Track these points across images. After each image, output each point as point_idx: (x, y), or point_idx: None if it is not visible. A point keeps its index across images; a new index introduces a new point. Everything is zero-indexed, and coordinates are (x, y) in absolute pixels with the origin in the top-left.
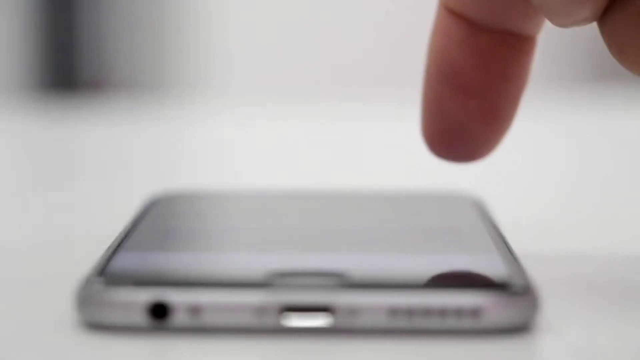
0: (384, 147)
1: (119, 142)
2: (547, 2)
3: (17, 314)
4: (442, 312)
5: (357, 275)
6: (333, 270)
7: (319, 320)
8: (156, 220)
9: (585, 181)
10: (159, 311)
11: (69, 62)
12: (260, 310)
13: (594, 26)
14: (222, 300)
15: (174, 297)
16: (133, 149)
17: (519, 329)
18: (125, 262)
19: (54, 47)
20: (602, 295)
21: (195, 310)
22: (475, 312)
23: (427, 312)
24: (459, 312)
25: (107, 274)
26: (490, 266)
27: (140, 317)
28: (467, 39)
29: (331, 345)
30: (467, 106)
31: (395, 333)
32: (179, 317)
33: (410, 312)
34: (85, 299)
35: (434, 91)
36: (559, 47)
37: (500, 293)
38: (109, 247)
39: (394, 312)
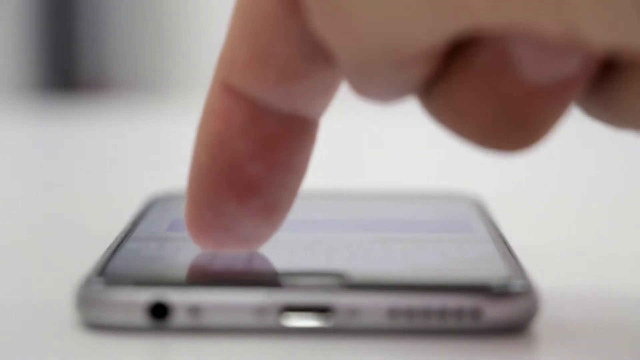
0: (384, 147)
1: (118, 141)
2: (370, 68)
3: (17, 314)
4: (442, 312)
5: (357, 275)
6: (333, 270)
7: (319, 320)
8: (156, 220)
9: (586, 181)
10: (159, 311)
11: (69, 62)
12: (260, 310)
13: None
14: (222, 300)
15: (174, 297)
16: (133, 148)
17: (519, 329)
18: (125, 262)
19: (54, 47)
20: (602, 295)
21: (195, 310)
22: (475, 312)
23: (427, 312)
24: (459, 312)
25: (107, 274)
26: (490, 266)
27: (140, 317)
28: (250, 124)
29: (331, 345)
30: (245, 203)
31: (395, 333)
32: (179, 317)
33: (410, 312)
34: (85, 299)
35: (204, 184)
36: None
37: (500, 293)
38: (109, 247)
39: (394, 312)
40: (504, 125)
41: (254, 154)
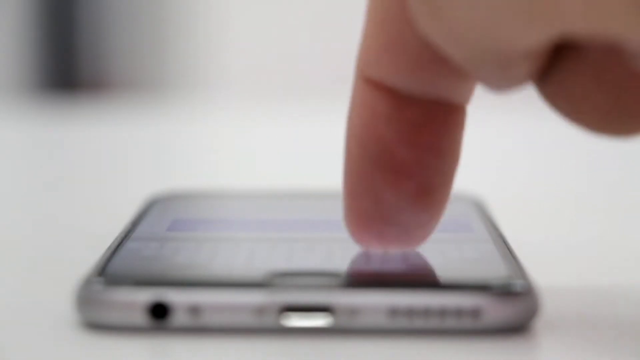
0: None
1: (118, 142)
2: (478, 65)
3: (17, 314)
4: (442, 312)
5: (357, 275)
6: (333, 270)
7: (319, 320)
8: (156, 220)
9: (586, 181)
10: (159, 311)
11: (69, 62)
12: (260, 310)
13: None
14: (222, 300)
15: (174, 297)
16: (133, 148)
17: (519, 329)
18: (125, 262)
19: (54, 47)
20: (602, 295)
21: (195, 310)
22: (475, 312)
23: (427, 312)
24: (459, 312)
25: (107, 274)
26: (490, 266)
27: (140, 317)
28: (394, 112)
29: (331, 345)
30: (399, 187)
31: (395, 333)
32: (179, 317)
33: (410, 312)
34: (85, 299)
35: (358, 174)
36: None
37: (500, 293)
38: (109, 247)
39: (394, 312)
40: (618, 113)
41: (401, 139)
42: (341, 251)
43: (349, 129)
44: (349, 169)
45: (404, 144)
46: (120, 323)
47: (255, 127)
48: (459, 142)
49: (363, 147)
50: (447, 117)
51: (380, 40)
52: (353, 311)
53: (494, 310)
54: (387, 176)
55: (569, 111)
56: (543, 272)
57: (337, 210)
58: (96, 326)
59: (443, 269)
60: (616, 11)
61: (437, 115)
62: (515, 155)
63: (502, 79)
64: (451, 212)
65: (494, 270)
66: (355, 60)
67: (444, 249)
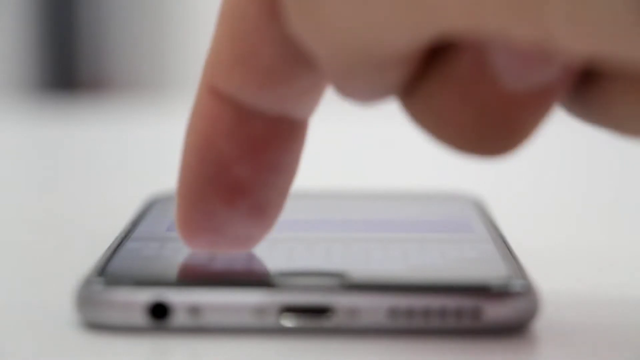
0: (384, 147)
1: (118, 141)
2: (347, 69)
3: (17, 314)
4: (442, 312)
5: (357, 275)
6: (333, 270)
7: (319, 321)
8: (156, 220)
9: (586, 181)
10: (159, 311)
11: (69, 62)
12: (260, 310)
13: None
14: (222, 300)
15: (174, 297)
16: (132, 148)
17: (519, 329)
18: (125, 262)
19: (54, 47)
20: (602, 295)
21: (195, 310)
22: (475, 312)
23: (426, 312)
24: (458, 312)
25: (107, 274)
26: (490, 266)
27: (140, 317)
28: (236, 128)
29: (331, 345)
30: (233, 204)
31: (395, 333)
32: (179, 317)
33: (410, 312)
34: (85, 299)
35: (193, 186)
36: None
37: (500, 293)
38: (109, 247)
39: (393, 312)
40: (483, 131)
41: (240, 155)
42: (341, 251)
43: (188, 139)
44: (184, 179)
45: (243, 161)
46: (120, 323)
47: None
48: (298, 157)
49: (200, 160)
50: (289, 133)
51: (232, 51)
52: (353, 311)
53: (494, 310)
54: (221, 193)
55: (433, 129)
56: (543, 272)
57: (337, 210)
58: (96, 326)
59: (443, 269)
60: (495, 6)
61: (279, 132)
62: (515, 155)
63: (368, 87)
64: (451, 212)
65: (494, 270)
66: (202, 69)
67: (444, 249)
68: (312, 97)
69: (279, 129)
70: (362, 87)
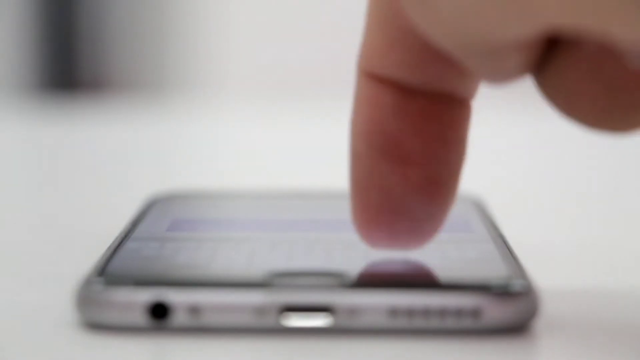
0: None
1: (118, 142)
2: (469, 56)
3: (17, 314)
4: (442, 312)
5: (357, 275)
6: (333, 270)
7: (319, 320)
8: (156, 220)
9: (586, 181)
10: (159, 311)
11: (69, 62)
12: (260, 310)
13: None
14: (222, 300)
15: (174, 297)
16: (133, 148)
17: (519, 329)
18: (125, 262)
19: (54, 47)
20: (602, 295)
21: (195, 310)
22: (475, 312)
23: (427, 312)
24: (459, 312)
25: (107, 274)
26: (490, 266)
27: (140, 317)
28: (399, 105)
29: (331, 345)
30: (408, 178)
31: (395, 333)
32: (179, 317)
33: (410, 312)
34: (85, 299)
35: (365, 168)
36: None
37: (500, 293)
38: (109, 247)
39: (394, 312)
40: (613, 109)
41: (407, 129)
42: (341, 251)
43: (354, 126)
44: (356, 165)
45: (410, 134)
46: (120, 323)
47: (255, 127)
48: (465, 136)
49: (369, 141)
50: (452, 110)
51: (383, 37)
52: (353, 311)
53: (494, 310)
54: (394, 167)
55: (565, 106)
56: (543, 272)
57: (337, 211)
58: (96, 326)
59: (443, 269)
60: (594, 8)
61: (442, 108)
62: (515, 155)
63: (495, 71)
64: (451, 212)
65: (494, 270)
66: (357, 56)
67: (444, 249)
68: (468, 79)
69: (442, 105)
70: (488, 71)
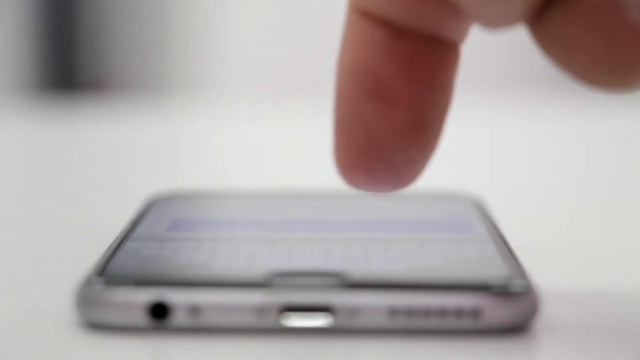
0: None
1: (118, 142)
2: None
3: (17, 314)
4: (442, 312)
5: (357, 275)
6: (333, 270)
7: (319, 320)
8: (156, 220)
9: (587, 181)
10: (159, 311)
11: (69, 62)
12: (260, 310)
13: None
14: (222, 300)
15: (174, 297)
16: (133, 149)
17: (519, 329)
18: (125, 262)
19: (54, 47)
20: (602, 295)
21: (195, 310)
22: (475, 312)
23: (427, 312)
24: (459, 312)
25: (107, 274)
26: (490, 266)
27: (140, 317)
28: (389, 44)
29: (331, 345)
30: (393, 118)
31: (395, 333)
32: (179, 317)
33: (410, 312)
34: (85, 299)
35: (350, 107)
36: None
37: (500, 293)
38: (109, 247)
39: (394, 312)
40: (610, 61)
41: (396, 70)
42: (341, 251)
43: (341, 63)
44: (341, 103)
45: (398, 75)
46: (120, 323)
47: (255, 127)
48: (452, 80)
49: (356, 79)
50: (441, 53)
51: None
52: (353, 311)
53: (494, 310)
54: (380, 108)
55: (561, 57)
56: (543, 272)
57: (337, 211)
58: (96, 326)
59: (443, 269)
60: None
61: (431, 50)
62: (514, 155)
63: (493, 15)
64: (451, 212)
65: (494, 270)
66: None
67: (444, 249)
68: (459, 22)
69: (431, 48)
70: (487, 14)
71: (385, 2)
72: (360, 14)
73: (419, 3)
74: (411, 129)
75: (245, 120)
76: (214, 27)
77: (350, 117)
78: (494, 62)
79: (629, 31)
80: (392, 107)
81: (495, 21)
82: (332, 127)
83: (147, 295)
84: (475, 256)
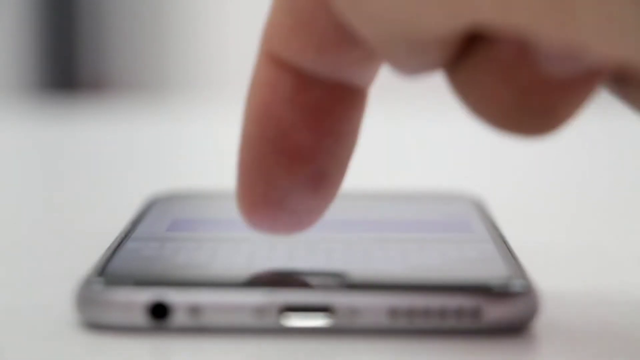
0: (384, 147)
1: (118, 142)
2: (390, 48)
3: (17, 314)
4: (442, 312)
5: (357, 275)
6: (333, 270)
7: (319, 320)
8: (156, 220)
9: (586, 181)
10: (159, 311)
11: (69, 62)
12: (260, 310)
13: None
14: (222, 300)
15: (174, 297)
16: (133, 149)
17: (519, 329)
18: (125, 262)
19: (54, 47)
20: (602, 295)
21: (195, 310)
22: (475, 312)
23: (427, 312)
24: (459, 312)
25: (107, 274)
26: (490, 266)
27: (140, 317)
28: (296, 93)
29: (331, 345)
30: (294, 172)
31: (395, 333)
32: (179, 317)
33: (410, 312)
34: (85, 299)
35: (253, 157)
36: None
37: (500, 293)
38: (109, 247)
39: (394, 312)
40: (523, 111)
41: (300, 122)
42: (341, 251)
43: (248, 109)
44: (244, 150)
45: (303, 128)
46: (120, 323)
47: None
48: (358, 127)
49: (260, 128)
50: (349, 100)
51: (290, 18)
52: (353, 311)
53: (494, 310)
54: (282, 160)
55: (475, 105)
56: (543, 272)
57: (336, 210)
58: (96, 326)
59: (443, 269)
60: (524, 5)
61: (339, 99)
62: (514, 155)
63: (412, 64)
64: (451, 212)
65: (494, 270)
66: (260, 36)
67: (444, 249)
68: (369, 66)
69: (338, 96)
70: (407, 64)
71: (295, 46)
72: (269, 59)
73: (328, 50)
74: (312, 181)
75: None
76: (214, 27)
77: (252, 166)
78: None
79: (540, 83)
80: (296, 160)
81: (412, 69)
82: (236, 170)
83: (147, 295)
84: (475, 256)
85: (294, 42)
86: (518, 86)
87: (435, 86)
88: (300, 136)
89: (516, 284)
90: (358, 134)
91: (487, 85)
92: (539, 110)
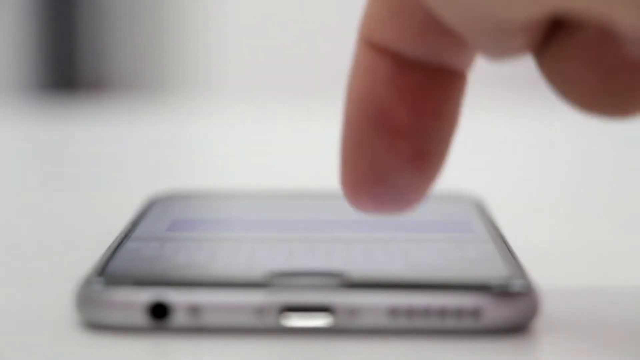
0: None
1: (118, 142)
2: (475, 34)
3: (17, 314)
4: (442, 312)
5: (357, 275)
6: (333, 270)
7: (319, 320)
8: (156, 220)
9: (586, 181)
10: (159, 311)
11: (69, 62)
12: (260, 310)
13: None
14: (222, 300)
15: (174, 297)
16: (133, 149)
17: (519, 329)
18: (125, 262)
19: (54, 47)
20: (603, 295)
21: (195, 310)
22: (475, 312)
23: (427, 311)
24: (459, 312)
25: (107, 274)
26: (490, 266)
27: (140, 317)
28: (396, 76)
29: (331, 345)
30: (396, 148)
31: (395, 333)
32: (179, 317)
33: (410, 312)
34: (85, 299)
35: (357, 134)
36: None
37: (500, 293)
38: (109, 247)
39: (394, 312)
40: (607, 93)
41: (400, 101)
42: (341, 251)
43: (349, 93)
44: (347, 131)
45: (404, 107)
46: (120, 323)
47: (255, 126)
48: (459, 108)
49: (362, 109)
50: (448, 83)
51: (385, 6)
52: (353, 311)
53: (494, 310)
54: (384, 138)
55: (561, 88)
56: (543, 272)
57: (337, 211)
58: (96, 326)
59: (443, 269)
60: None
61: (438, 81)
62: (515, 155)
63: (498, 49)
64: (451, 212)
65: (494, 270)
66: (358, 24)
67: (444, 249)
68: (465, 51)
69: (437, 78)
70: (494, 49)
71: (392, 35)
72: (368, 45)
73: (425, 36)
74: (415, 159)
75: (244, 120)
76: (214, 27)
77: (355, 145)
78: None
79: (625, 65)
80: (397, 138)
81: (499, 54)
82: (339, 151)
83: (147, 295)
84: (475, 256)
85: (391, 30)
86: (602, 69)
87: None
88: (401, 115)
89: (516, 284)
90: (458, 115)
91: (572, 68)
92: (623, 92)
